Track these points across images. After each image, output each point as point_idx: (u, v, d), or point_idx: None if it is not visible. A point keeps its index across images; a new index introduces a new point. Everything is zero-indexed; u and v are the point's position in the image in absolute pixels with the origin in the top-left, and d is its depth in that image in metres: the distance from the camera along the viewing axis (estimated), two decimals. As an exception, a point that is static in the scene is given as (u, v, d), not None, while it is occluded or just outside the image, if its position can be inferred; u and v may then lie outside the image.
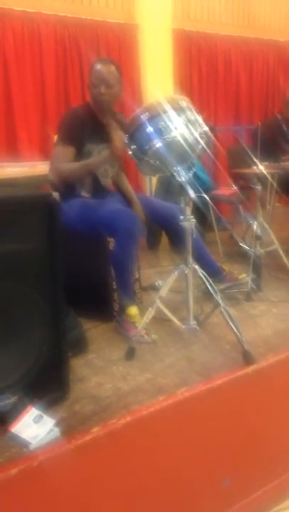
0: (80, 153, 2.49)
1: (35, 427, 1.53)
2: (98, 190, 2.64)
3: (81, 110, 2.61)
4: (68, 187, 2.54)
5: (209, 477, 1.85)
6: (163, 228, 2.89)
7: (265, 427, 2.01)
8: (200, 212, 3.22)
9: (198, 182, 2.66)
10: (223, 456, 1.88)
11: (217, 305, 2.10)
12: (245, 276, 2.87)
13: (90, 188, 2.62)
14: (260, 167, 3.25)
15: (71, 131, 2.48)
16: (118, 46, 4.93)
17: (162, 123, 1.99)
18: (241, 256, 3.37)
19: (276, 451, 2.06)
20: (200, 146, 2.06)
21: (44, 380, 1.69)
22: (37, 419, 1.55)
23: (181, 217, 2.12)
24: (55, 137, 2.61)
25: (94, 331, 2.42)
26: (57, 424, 1.57)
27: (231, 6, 5.83)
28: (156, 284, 2.91)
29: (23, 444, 1.49)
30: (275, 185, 3.57)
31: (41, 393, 1.66)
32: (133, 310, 2.37)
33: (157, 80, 4.84)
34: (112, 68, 2.49)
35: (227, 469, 1.89)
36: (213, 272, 2.72)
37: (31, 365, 1.68)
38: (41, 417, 1.56)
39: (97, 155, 2.51)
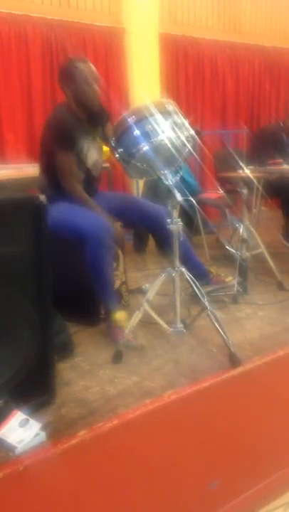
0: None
1: (21, 431, 1.52)
2: (89, 185, 2.65)
3: (65, 112, 2.62)
4: (57, 189, 2.55)
5: (197, 480, 1.85)
6: (150, 231, 2.90)
7: (251, 429, 2.02)
8: (187, 216, 3.23)
9: (185, 185, 2.67)
10: (210, 459, 1.88)
11: (204, 308, 2.11)
12: (232, 279, 2.88)
13: (82, 185, 2.63)
14: (247, 171, 3.28)
15: (70, 136, 2.51)
16: (105, 49, 4.95)
17: (149, 126, 1.99)
18: (227, 259, 3.39)
19: (262, 454, 2.07)
20: (186, 150, 2.07)
21: (30, 384, 1.68)
22: (23, 423, 1.54)
23: (168, 220, 2.12)
24: (50, 142, 2.60)
25: (81, 334, 2.41)
26: (43, 428, 1.56)
27: (217, 11, 5.88)
28: (143, 287, 2.91)
29: (8, 449, 1.48)
30: (261, 189, 3.60)
31: (27, 397, 1.64)
32: (119, 315, 2.35)
33: (144, 83, 4.87)
34: (93, 66, 2.58)
35: (214, 472, 1.90)
36: (201, 274, 2.73)
37: (17, 369, 1.66)
38: (27, 421, 1.55)
39: (86, 150, 2.59)
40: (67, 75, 2.58)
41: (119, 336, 2.26)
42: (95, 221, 2.40)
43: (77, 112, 2.61)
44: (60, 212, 2.47)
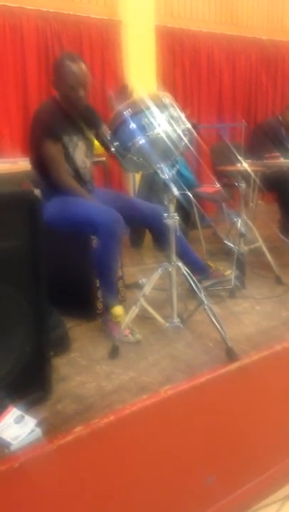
0: None
1: (16, 427, 1.51)
2: (80, 182, 2.61)
3: (52, 105, 2.59)
4: (50, 184, 2.52)
5: (193, 475, 1.85)
6: (146, 227, 2.88)
7: (248, 424, 2.01)
8: (183, 210, 3.21)
9: (181, 179, 2.65)
10: (206, 454, 1.88)
11: (201, 303, 2.09)
12: (231, 273, 2.87)
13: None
14: (244, 165, 3.26)
15: (54, 126, 2.48)
16: (101, 42, 4.91)
17: (145, 119, 1.97)
18: (225, 253, 3.38)
19: (259, 449, 2.07)
20: (183, 143, 2.05)
21: (26, 380, 1.67)
22: (18, 420, 1.53)
23: (165, 214, 2.11)
24: (36, 134, 2.56)
25: (77, 329, 2.40)
26: (39, 424, 1.55)
27: (214, 4, 5.83)
28: (139, 282, 2.90)
29: (3, 445, 1.46)
30: (258, 182, 3.58)
31: (23, 393, 1.63)
32: (118, 310, 2.34)
33: (140, 76, 4.82)
34: (84, 66, 2.49)
35: (210, 467, 1.89)
36: (199, 269, 2.73)
37: (13, 364, 1.65)
38: (23, 417, 1.54)
39: (73, 147, 2.57)
40: (56, 74, 2.53)
41: (116, 331, 2.25)
42: (106, 211, 2.37)
43: (66, 108, 2.57)
44: (60, 207, 2.44)
